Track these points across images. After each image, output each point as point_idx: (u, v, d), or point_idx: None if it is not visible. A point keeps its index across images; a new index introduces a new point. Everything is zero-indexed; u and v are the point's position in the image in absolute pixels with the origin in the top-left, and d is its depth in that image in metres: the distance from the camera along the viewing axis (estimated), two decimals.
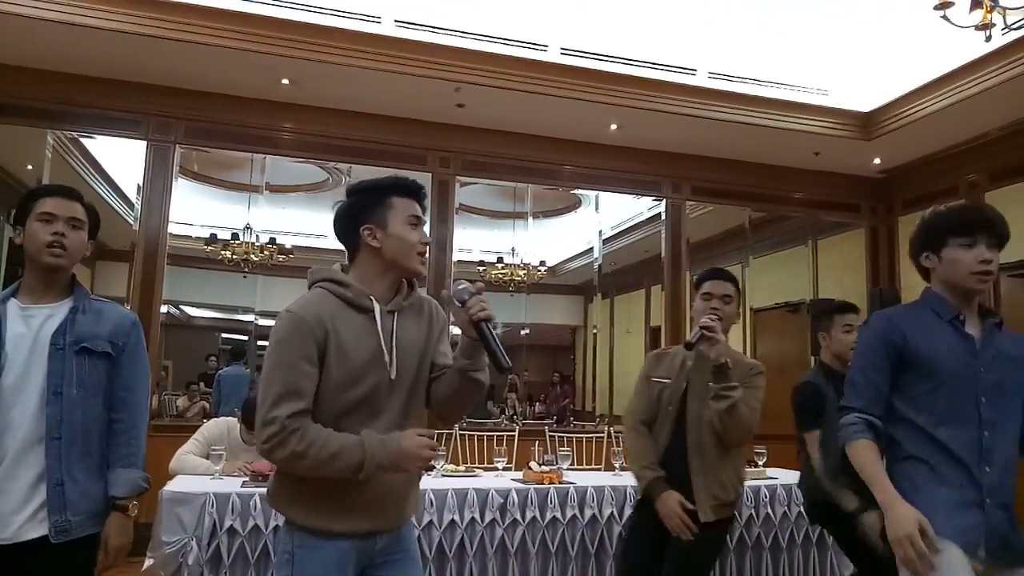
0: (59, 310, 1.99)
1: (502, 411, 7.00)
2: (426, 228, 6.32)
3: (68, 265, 2.01)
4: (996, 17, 3.75)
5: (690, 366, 2.67)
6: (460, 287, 1.73)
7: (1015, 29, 4.26)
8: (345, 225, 1.78)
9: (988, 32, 3.77)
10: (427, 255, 1.83)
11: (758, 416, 2.56)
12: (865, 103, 6.07)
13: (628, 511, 3.57)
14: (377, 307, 1.71)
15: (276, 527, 3.03)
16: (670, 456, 2.60)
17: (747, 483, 3.77)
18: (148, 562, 2.95)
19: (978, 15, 3.77)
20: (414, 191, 1.80)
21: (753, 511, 3.76)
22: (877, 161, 6.71)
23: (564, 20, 5.28)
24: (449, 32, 5.19)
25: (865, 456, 1.86)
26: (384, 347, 1.68)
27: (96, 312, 2.03)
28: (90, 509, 1.92)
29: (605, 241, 7.07)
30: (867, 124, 6.13)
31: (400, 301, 1.77)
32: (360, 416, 1.67)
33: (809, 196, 7.04)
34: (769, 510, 3.77)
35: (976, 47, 4.62)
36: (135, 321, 2.12)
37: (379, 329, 1.69)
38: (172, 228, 5.62)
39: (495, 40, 5.29)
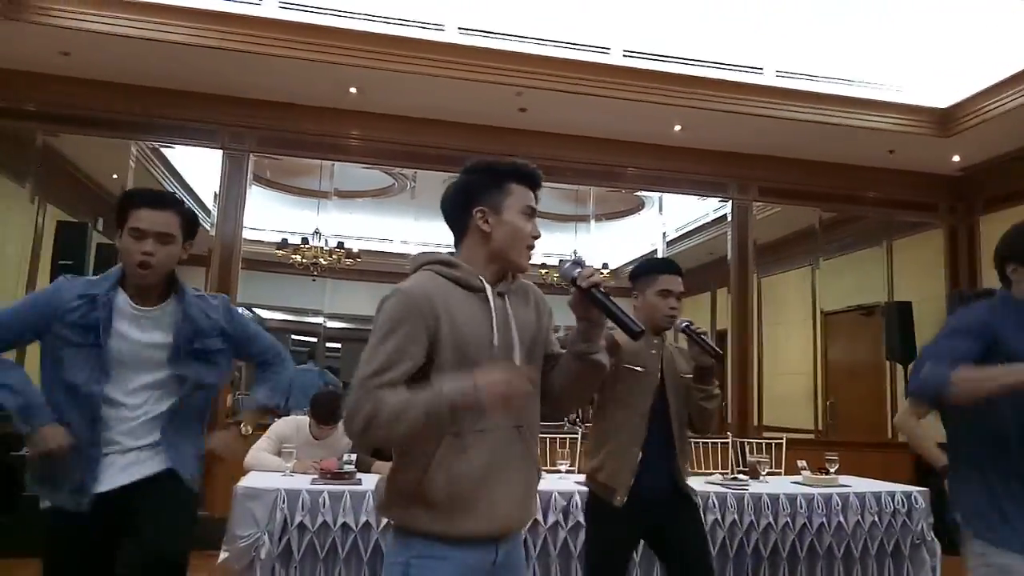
0: (164, 314, 2.10)
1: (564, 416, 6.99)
2: None
3: (156, 279, 2.06)
4: None
5: (664, 358, 2.57)
6: (565, 266, 1.61)
7: None
8: (457, 203, 1.65)
9: None
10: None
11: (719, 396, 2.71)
12: (942, 99, 5.82)
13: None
14: (488, 287, 1.60)
15: (344, 524, 3.10)
16: (650, 447, 2.47)
17: (818, 491, 3.70)
18: (223, 555, 3.06)
19: None
20: (534, 180, 1.67)
21: (825, 519, 3.65)
22: (956, 159, 6.43)
23: (626, 22, 5.26)
24: (511, 37, 5.24)
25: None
26: (495, 327, 1.57)
27: (198, 310, 2.14)
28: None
29: (669, 243, 6.99)
30: (945, 120, 5.88)
31: (507, 285, 1.67)
32: None
33: (883, 195, 6.80)
34: (841, 518, 3.65)
35: None
36: (226, 303, 2.27)
37: (492, 308, 1.59)
38: (246, 234, 5.83)
39: (557, 44, 5.30)
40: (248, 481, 3.24)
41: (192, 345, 2.09)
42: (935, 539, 3.80)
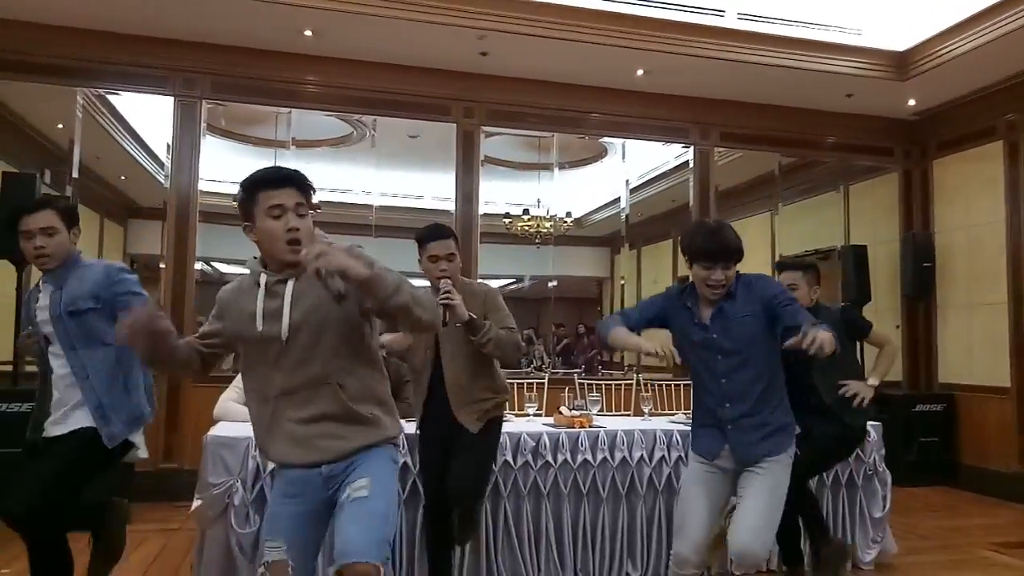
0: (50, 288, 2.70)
1: (529, 362, 7.06)
2: (442, 182, 6.28)
3: (53, 264, 2.66)
4: None
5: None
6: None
7: None
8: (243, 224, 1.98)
9: None
10: (300, 241, 1.91)
11: (515, 327, 3.00)
12: (900, 42, 5.89)
13: (658, 454, 3.63)
14: (263, 278, 1.95)
15: None
16: (432, 395, 2.98)
17: None
18: (196, 503, 3.06)
19: None
20: (271, 181, 1.92)
21: None
22: (912, 103, 6.53)
23: None
24: None
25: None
26: (259, 312, 1.93)
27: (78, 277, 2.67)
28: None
29: (632, 191, 7.01)
30: (902, 64, 5.96)
31: (289, 272, 1.95)
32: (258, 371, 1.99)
33: (841, 140, 6.89)
34: (797, 451, 3.78)
35: None
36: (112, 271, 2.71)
37: (258, 296, 1.94)
38: (202, 185, 5.68)
39: None
40: (218, 430, 3.23)
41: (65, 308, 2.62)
42: (887, 470, 3.98)
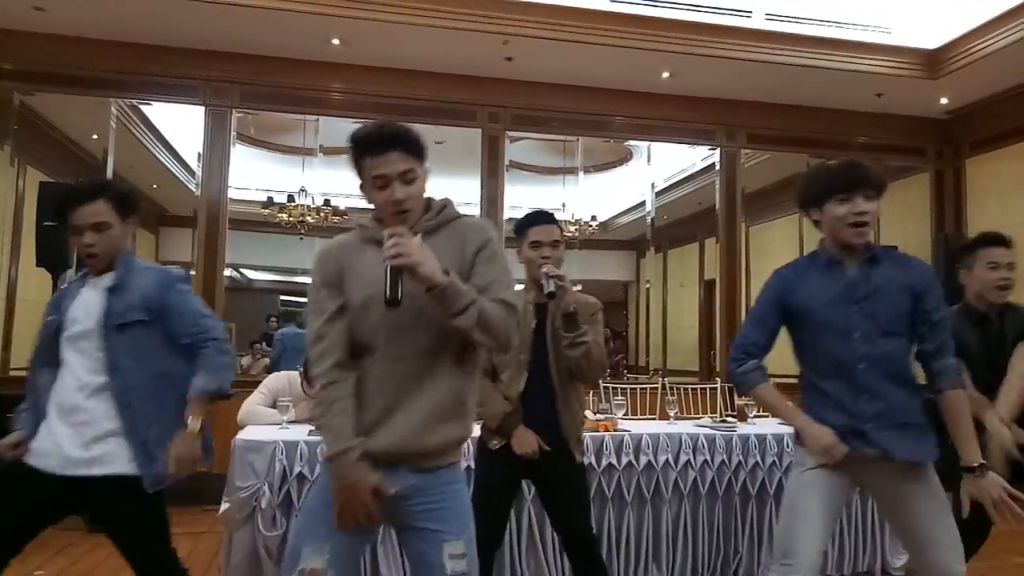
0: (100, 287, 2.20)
1: None
2: (467, 188, 6.29)
3: (103, 264, 2.20)
4: None
5: (549, 310, 2.58)
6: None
7: None
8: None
9: None
10: (407, 211, 1.68)
11: (604, 350, 2.64)
12: (930, 40, 5.79)
13: (684, 458, 3.60)
14: (386, 233, 1.62)
15: None
16: (530, 401, 2.55)
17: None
18: (224, 506, 3.10)
19: None
20: (372, 144, 1.67)
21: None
22: (944, 101, 6.42)
23: None
24: None
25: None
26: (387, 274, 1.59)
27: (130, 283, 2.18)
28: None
29: (658, 194, 6.98)
30: (933, 62, 5.86)
31: (423, 224, 1.71)
32: (375, 342, 1.67)
33: (872, 140, 6.79)
34: None
35: None
36: (161, 275, 2.23)
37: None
38: (232, 193, 5.77)
39: None
40: (246, 435, 3.27)
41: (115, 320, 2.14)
42: None
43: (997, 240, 2.69)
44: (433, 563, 1.64)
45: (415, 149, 1.70)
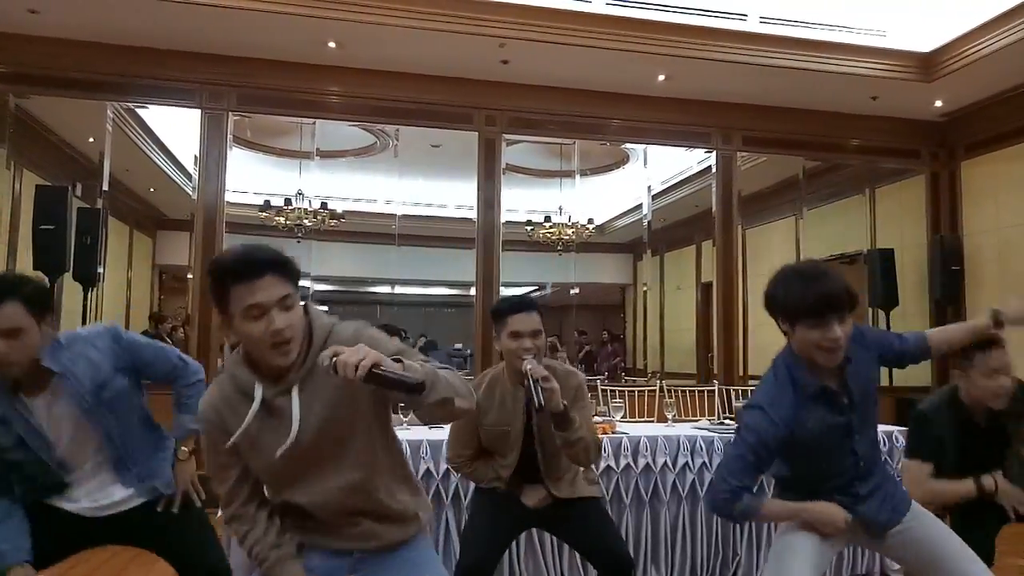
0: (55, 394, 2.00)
1: None
2: (464, 191, 6.28)
3: (18, 372, 1.93)
4: None
5: (524, 407, 2.53)
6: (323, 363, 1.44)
7: None
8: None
9: None
10: (290, 341, 1.51)
11: (593, 427, 2.55)
12: (925, 43, 5.81)
13: (682, 460, 3.60)
14: (259, 395, 1.54)
15: None
16: (520, 475, 2.58)
17: None
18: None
19: None
20: (248, 270, 1.49)
21: None
22: (938, 104, 6.44)
23: None
24: None
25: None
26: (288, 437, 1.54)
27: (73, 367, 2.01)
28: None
29: (654, 197, 6.99)
30: (927, 65, 5.88)
31: (292, 376, 1.55)
32: (271, 483, 1.66)
33: (867, 143, 6.81)
34: None
35: None
36: (106, 335, 2.11)
37: (248, 418, 1.55)
38: (229, 196, 5.77)
39: None
40: None
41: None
42: None
43: (992, 343, 2.47)
44: None
45: (291, 273, 1.54)
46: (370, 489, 1.63)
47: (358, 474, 1.61)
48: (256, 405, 1.54)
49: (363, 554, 1.68)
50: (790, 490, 2.11)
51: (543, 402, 2.20)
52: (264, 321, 1.48)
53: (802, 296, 1.90)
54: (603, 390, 5.36)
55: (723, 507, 2.01)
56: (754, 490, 2.01)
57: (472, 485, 2.86)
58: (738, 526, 3.64)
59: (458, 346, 6.83)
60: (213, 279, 1.52)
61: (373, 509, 1.65)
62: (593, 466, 2.73)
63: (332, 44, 5.39)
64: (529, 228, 7.12)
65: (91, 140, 5.78)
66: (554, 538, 3.41)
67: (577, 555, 3.43)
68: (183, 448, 2.25)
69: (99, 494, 2.11)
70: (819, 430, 1.97)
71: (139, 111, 5.89)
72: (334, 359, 1.39)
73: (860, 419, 2.00)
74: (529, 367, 2.27)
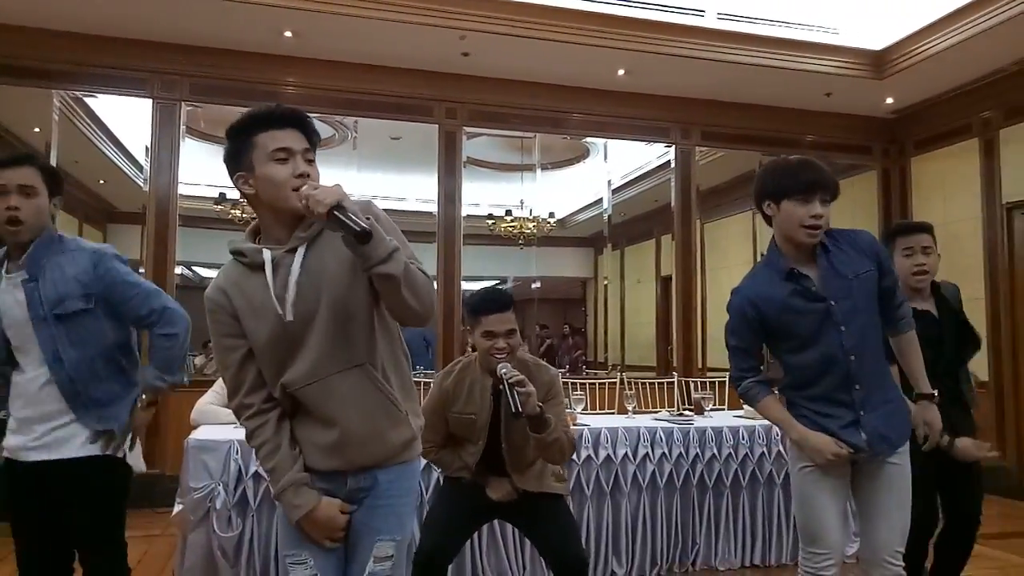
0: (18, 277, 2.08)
1: None
2: (424, 184, 6.22)
3: (26, 236, 2.06)
4: None
5: (492, 398, 2.55)
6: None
7: None
8: (229, 175, 1.65)
9: None
10: (308, 186, 1.53)
11: (568, 423, 2.59)
12: (877, 41, 5.95)
13: (642, 451, 3.63)
14: (268, 257, 1.59)
15: None
16: (486, 465, 2.60)
17: (758, 423, 3.84)
18: (177, 507, 3.03)
19: None
20: (274, 118, 1.61)
21: (765, 449, 3.82)
22: (889, 101, 6.60)
23: None
24: None
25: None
26: (274, 296, 1.56)
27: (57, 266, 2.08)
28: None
29: (614, 191, 7.03)
30: (879, 63, 6.02)
31: (299, 234, 1.60)
32: (273, 363, 1.62)
33: (820, 138, 6.95)
34: (781, 447, 3.81)
35: None
36: (90, 256, 2.12)
37: (269, 280, 1.58)
38: (182, 189, 5.63)
39: None
40: (200, 434, 3.20)
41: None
42: None
43: (910, 227, 2.76)
44: (359, 558, 1.64)
45: (313, 133, 1.65)
46: (366, 376, 1.61)
47: (354, 355, 1.61)
48: (269, 267, 1.57)
49: (356, 478, 1.65)
50: (794, 406, 2.15)
51: (520, 407, 2.21)
52: (290, 165, 1.57)
53: (794, 176, 2.07)
54: (564, 383, 5.39)
55: (737, 387, 2.23)
56: (759, 375, 2.18)
57: (438, 473, 2.86)
58: (697, 514, 3.70)
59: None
60: (237, 130, 1.62)
61: (364, 396, 1.62)
62: (562, 473, 2.74)
63: (289, 34, 5.29)
64: (490, 222, 7.11)
65: (37, 130, 5.58)
66: (516, 532, 3.42)
67: None
68: (143, 396, 2.17)
69: (40, 425, 2.03)
70: (792, 311, 2.06)
71: (87, 100, 5.71)
72: (308, 196, 1.46)
73: (845, 311, 2.04)
74: (504, 371, 2.28)
